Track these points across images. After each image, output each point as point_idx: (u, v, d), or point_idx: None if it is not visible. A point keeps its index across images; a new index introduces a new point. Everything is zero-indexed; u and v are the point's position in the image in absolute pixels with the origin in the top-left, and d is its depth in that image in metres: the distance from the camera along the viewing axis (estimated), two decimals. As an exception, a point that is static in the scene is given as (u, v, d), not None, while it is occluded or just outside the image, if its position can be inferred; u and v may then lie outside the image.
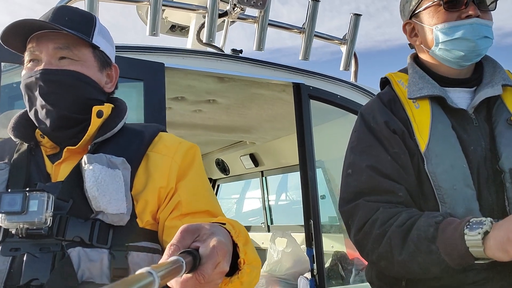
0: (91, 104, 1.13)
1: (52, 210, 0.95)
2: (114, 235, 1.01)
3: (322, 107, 3.18)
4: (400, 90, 1.35)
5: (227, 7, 2.93)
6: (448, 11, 1.26)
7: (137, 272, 0.51)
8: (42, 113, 1.10)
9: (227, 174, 5.95)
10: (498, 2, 1.29)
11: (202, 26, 3.02)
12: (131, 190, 1.05)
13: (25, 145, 1.13)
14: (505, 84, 1.29)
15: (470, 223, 1.01)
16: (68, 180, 1.04)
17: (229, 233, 0.83)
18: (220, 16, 2.89)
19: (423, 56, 1.38)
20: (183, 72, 2.77)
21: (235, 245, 0.83)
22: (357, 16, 3.25)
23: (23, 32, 1.10)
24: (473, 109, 1.27)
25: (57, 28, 1.07)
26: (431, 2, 1.29)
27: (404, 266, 1.11)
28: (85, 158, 1.05)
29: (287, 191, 5.68)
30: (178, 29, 3.98)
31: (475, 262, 1.01)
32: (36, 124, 1.13)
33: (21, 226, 0.94)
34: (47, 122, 1.10)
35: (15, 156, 1.12)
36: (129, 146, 1.13)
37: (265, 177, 5.48)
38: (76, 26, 1.11)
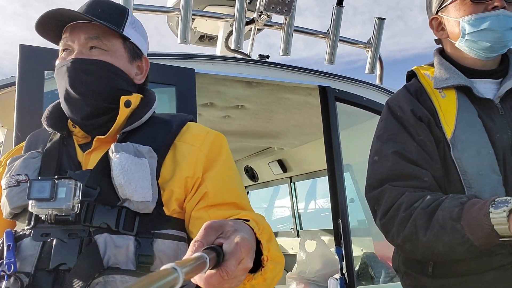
0: (120, 94, 1.15)
1: (80, 197, 0.98)
2: (140, 222, 1.02)
3: (349, 110, 3.23)
4: (426, 81, 1.37)
5: (254, 14, 3.04)
6: (474, 3, 1.27)
7: (161, 268, 0.51)
8: (71, 102, 1.12)
9: (256, 181, 6.02)
10: None
11: (230, 33, 3.14)
12: (158, 179, 1.06)
13: (58, 135, 1.16)
14: None
15: (496, 202, 1.02)
16: (96, 168, 1.06)
17: (253, 229, 0.83)
18: (247, 23, 3.00)
19: (450, 49, 1.40)
20: (212, 77, 2.88)
21: (258, 242, 0.83)
22: (381, 20, 3.31)
23: (56, 23, 1.13)
24: (499, 99, 1.28)
25: (87, 19, 1.11)
26: None
27: (429, 247, 1.12)
28: (112, 147, 1.06)
29: (316, 197, 5.70)
30: (207, 39, 4.12)
31: (500, 240, 1.02)
32: (66, 113, 1.16)
33: (50, 212, 0.97)
34: (76, 111, 1.13)
35: (48, 145, 1.15)
36: (157, 135, 1.14)
37: (294, 183, 5.53)
38: (108, 17, 1.14)
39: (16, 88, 2.20)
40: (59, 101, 1.19)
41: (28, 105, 2.19)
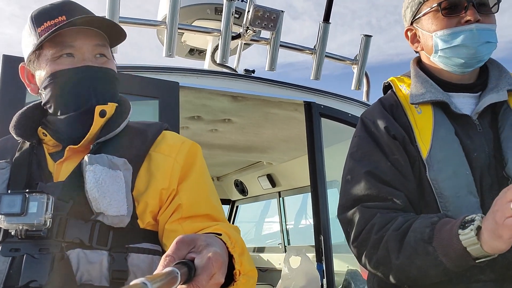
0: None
1: (52, 212, 0.94)
2: (114, 237, 0.99)
3: (335, 127, 3.24)
4: (402, 94, 1.31)
5: (240, 29, 3.06)
6: (446, 17, 1.22)
7: (131, 283, 0.51)
8: (80, 114, 1.09)
9: (245, 195, 6.01)
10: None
11: (217, 48, 3.16)
12: (132, 191, 1.03)
13: (27, 143, 1.12)
14: (511, 89, 1.24)
15: (463, 222, 0.98)
16: (68, 181, 1.03)
17: (225, 243, 0.82)
18: (234, 38, 3.03)
19: (426, 61, 1.34)
20: (197, 91, 2.89)
21: (231, 256, 0.82)
22: (368, 37, 3.34)
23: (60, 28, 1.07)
24: (477, 115, 1.22)
25: (102, 26, 1.10)
26: (429, 8, 1.25)
27: (402, 271, 1.07)
28: (86, 158, 1.02)
29: (306, 211, 5.68)
30: (197, 53, 4.15)
31: (476, 262, 0.97)
32: (62, 125, 1.10)
33: (21, 227, 0.93)
34: (80, 126, 1.09)
35: (17, 154, 1.10)
36: (132, 146, 1.10)
37: (282, 198, 5.51)
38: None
39: (-3, 99, 2.20)
40: (27, 108, 1.16)
41: (9, 117, 2.18)
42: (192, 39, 3.90)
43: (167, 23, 2.79)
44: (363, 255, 1.16)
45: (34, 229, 0.93)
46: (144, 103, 2.61)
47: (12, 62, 2.23)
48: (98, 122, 1.09)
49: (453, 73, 1.28)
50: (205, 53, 3.91)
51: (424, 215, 1.12)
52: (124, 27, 2.80)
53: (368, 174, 1.21)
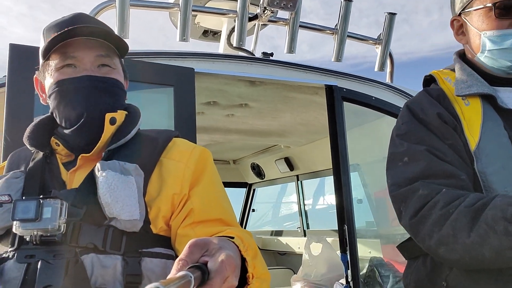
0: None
1: (66, 217, 0.96)
2: (127, 241, 1.00)
3: (357, 109, 3.11)
4: (447, 87, 1.28)
5: (257, 10, 2.91)
6: (499, 18, 1.18)
7: None
8: (83, 124, 1.10)
9: (262, 178, 5.94)
10: None
11: (233, 30, 3.02)
12: (144, 196, 1.05)
13: (41, 154, 1.14)
14: None
15: None
16: (82, 187, 1.04)
17: (238, 247, 0.83)
18: (250, 19, 2.88)
19: (470, 55, 1.31)
20: (214, 76, 2.76)
21: (243, 259, 0.83)
22: (392, 15, 3.16)
23: (60, 37, 1.10)
24: None
25: (108, 38, 1.11)
26: (482, 5, 1.21)
27: (471, 250, 0.99)
28: (98, 165, 1.04)
29: (324, 195, 5.60)
30: (211, 34, 4.00)
31: None
32: (68, 135, 1.12)
33: (35, 233, 0.94)
34: (84, 134, 1.10)
35: (31, 164, 1.13)
36: (143, 152, 1.12)
37: (301, 181, 5.42)
38: (107, 35, 1.14)
39: (6, 90, 2.11)
40: (41, 119, 1.18)
41: (18, 108, 2.10)
42: (206, 21, 3.75)
43: (180, 5, 2.65)
44: (421, 233, 1.08)
45: (48, 234, 0.95)
46: (159, 91, 2.51)
47: (20, 51, 2.14)
48: (108, 130, 1.11)
49: (498, 74, 1.24)
50: (220, 34, 3.76)
51: (503, 194, 1.04)
52: (136, 10, 2.68)
53: (428, 151, 1.15)
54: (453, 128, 1.18)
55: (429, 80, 1.36)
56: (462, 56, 1.34)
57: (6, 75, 2.13)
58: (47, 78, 1.14)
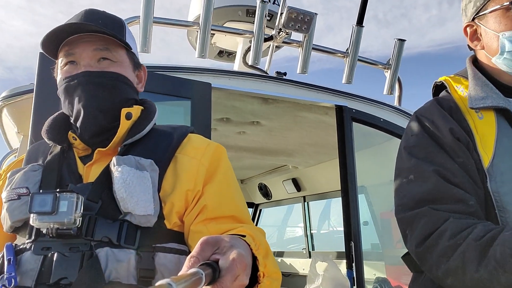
0: (128, 104, 1.16)
1: (82, 211, 0.97)
2: (142, 236, 1.01)
3: (365, 131, 3.19)
4: (459, 96, 1.21)
5: (273, 31, 3.04)
6: None
7: (157, 284, 0.52)
8: (84, 119, 1.11)
9: (269, 199, 5.97)
10: None
11: (248, 49, 3.14)
12: (159, 192, 1.06)
13: (58, 147, 1.16)
14: None
15: None
16: (97, 182, 1.06)
17: (249, 245, 0.83)
18: (266, 40, 3.01)
19: (485, 62, 1.24)
20: (228, 92, 2.87)
21: (255, 258, 0.83)
22: (401, 41, 3.28)
23: (61, 37, 1.12)
24: None
25: (100, 31, 1.11)
26: (499, 5, 1.15)
27: (480, 285, 0.96)
28: (114, 160, 1.06)
29: (330, 218, 5.62)
30: (226, 55, 4.15)
31: None
32: (76, 128, 1.14)
33: (52, 226, 0.96)
34: (87, 128, 1.12)
35: (49, 157, 1.15)
36: (158, 148, 1.13)
37: (307, 203, 5.46)
38: (111, 28, 1.14)
39: (34, 96, 2.22)
40: (59, 114, 1.21)
41: (44, 113, 2.17)
42: (222, 41, 3.90)
43: (200, 24, 2.78)
44: (428, 262, 1.06)
45: (64, 227, 0.96)
46: (176, 103, 2.61)
47: (49, 60, 2.25)
48: (124, 125, 1.13)
49: None
50: (234, 55, 3.90)
51: (510, 226, 1.02)
52: (157, 27, 2.81)
53: (436, 172, 1.10)
54: (465, 145, 1.13)
55: (439, 87, 1.31)
56: (474, 62, 1.28)
57: (35, 82, 2.24)
58: (57, 77, 1.17)
